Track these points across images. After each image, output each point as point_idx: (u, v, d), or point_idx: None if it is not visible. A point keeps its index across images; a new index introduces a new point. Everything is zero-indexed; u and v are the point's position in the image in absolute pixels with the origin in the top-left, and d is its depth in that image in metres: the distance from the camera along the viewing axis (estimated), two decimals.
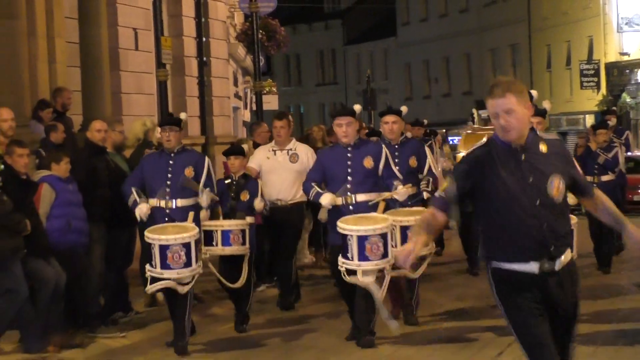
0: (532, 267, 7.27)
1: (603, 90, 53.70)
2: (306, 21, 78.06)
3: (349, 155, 12.89)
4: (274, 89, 29.98)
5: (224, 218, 14.31)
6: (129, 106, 22.73)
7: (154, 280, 12.82)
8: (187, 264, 12.58)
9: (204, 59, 27.27)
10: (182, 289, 12.84)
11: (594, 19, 56.83)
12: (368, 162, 12.87)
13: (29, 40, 19.79)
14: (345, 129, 12.82)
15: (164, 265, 12.51)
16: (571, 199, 12.74)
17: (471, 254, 19.88)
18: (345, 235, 12.31)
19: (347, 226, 12.38)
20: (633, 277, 17.76)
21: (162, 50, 23.38)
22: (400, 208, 13.77)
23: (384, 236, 12.33)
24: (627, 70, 52.85)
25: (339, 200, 12.85)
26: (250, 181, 14.67)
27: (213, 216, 14.61)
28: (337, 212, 12.89)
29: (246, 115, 31.09)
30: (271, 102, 29.00)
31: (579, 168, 9.31)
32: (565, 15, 59.70)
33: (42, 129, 16.80)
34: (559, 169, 7.55)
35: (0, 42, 18.55)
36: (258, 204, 14.39)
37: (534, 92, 13.20)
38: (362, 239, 12.16)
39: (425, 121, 25.07)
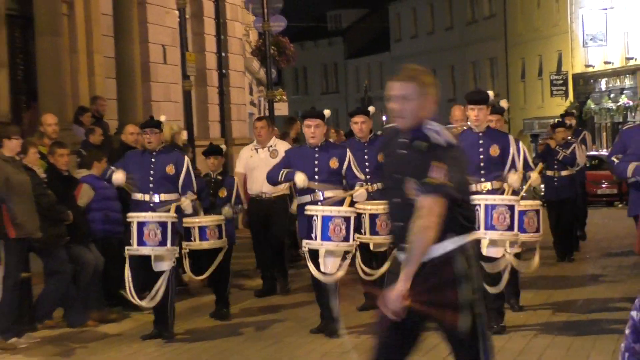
0: (400, 256, 6.66)
1: (571, 97, 53.69)
2: (312, 38, 77.93)
3: (316, 155, 12.29)
4: (284, 97, 29.76)
5: (205, 213, 13.77)
6: (158, 112, 22.59)
7: (132, 258, 12.32)
8: (163, 242, 12.06)
9: (223, 71, 27.19)
10: (158, 267, 12.26)
11: (562, 35, 56.77)
12: (334, 163, 12.30)
13: (71, 55, 19.79)
14: (313, 130, 12.24)
15: (141, 242, 12.03)
16: (534, 180, 12.55)
17: None
18: (310, 217, 11.77)
19: (313, 207, 11.91)
20: (591, 269, 17.10)
21: (187, 64, 23.30)
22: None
23: (347, 219, 11.75)
24: (592, 80, 52.86)
25: (307, 197, 12.29)
26: (227, 179, 14.33)
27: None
28: (304, 206, 12.24)
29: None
30: (281, 109, 28.82)
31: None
32: (537, 32, 59.64)
33: (83, 132, 16.79)
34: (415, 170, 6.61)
35: (45, 56, 18.39)
36: (227, 211, 13.82)
37: (504, 103, 13.57)
38: (326, 219, 11.62)
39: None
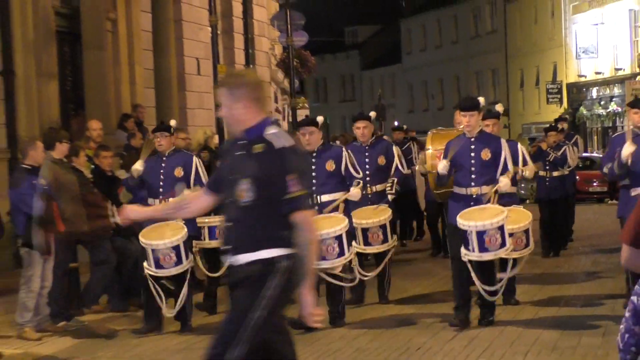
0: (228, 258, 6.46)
1: (565, 104, 53.54)
2: (331, 52, 77.72)
3: (313, 160, 11.58)
4: (306, 105, 29.77)
5: (214, 214, 12.64)
6: (193, 119, 22.70)
7: (152, 276, 11.69)
8: (178, 262, 11.51)
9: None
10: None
11: (557, 48, 56.56)
12: (330, 165, 11.71)
13: (114, 68, 19.81)
14: (308, 137, 11.69)
15: (158, 266, 11.50)
16: (529, 171, 12.72)
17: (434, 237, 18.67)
18: None
19: None
20: (581, 264, 16.67)
21: (219, 75, 23.31)
22: (365, 207, 12.88)
23: (338, 237, 11.28)
24: (584, 89, 52.69)
25: None
26: None
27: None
28: None
29: (284, 125, 31.01)
30: (303, 116, 28.77)
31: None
32: (535, 45, 59.41)
33: (125, 137, 16.83)
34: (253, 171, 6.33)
35: (91, 68, 18.50)
36: None
37: (499, 107, 13.12)
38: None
39: (405, 127, 24.41)
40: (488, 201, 11.63)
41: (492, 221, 10.65)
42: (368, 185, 13.10)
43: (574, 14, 54.81)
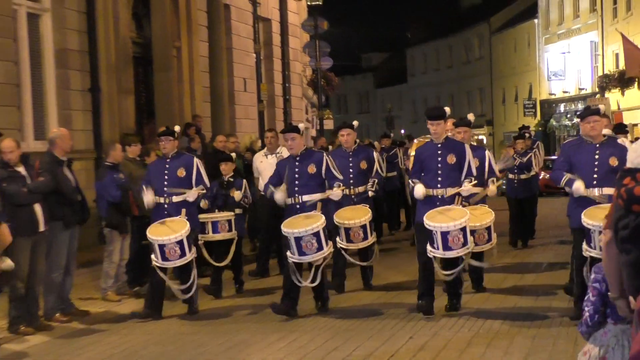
0: None
1: (538, 117, 53.24)
2: (351, 73, 77.55)
3: (297, 163, 10.78)
4: (330, 116, 29.67)
5: (219, 210, 12.47)
6: (240, 127, 22.70)
7: (160, 267, 10.82)
8: (182, 255, 10.65)
9: (287, 97, 27.17)
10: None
11: (532, 71, 56.32)
12: (311, 169, 10.70)
13: (178, 85, 19.86)
14: (290, 143, 10.83)
15: (164, 259, 10.65)
16: (490, 192, 11.39)
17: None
18: (285, 235, 10.42)
19: (286, 229, 10.42)
20: (543, 256, 15.41)
21: (261, 92, 23.40)
22: (348, 206, 12.07)
23: (316, 234, 10.26)
24: (554, 105, 52.36)
25: (289, 200, 10.70)
26: (237, 181, 12.79)
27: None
28: (288, 209, 10.85)
29: (313, 133, 30.85)
30: (328, 124, 28.67)
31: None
32: (514, 69, 59.24)
33: (187, 140, 16.86)
34: None
35: (160, 86, 18.60)
36: (237, 195, 12.45)
37: (470, 117, 12.27)
38: (297, 239, 10.29)
39: (392, 134, 23.98)
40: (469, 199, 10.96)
41: (455, 223, 9.90)
42: (351, 187, 12.29)
43: (546, 44, 54.61)
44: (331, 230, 11.22)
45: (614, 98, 43.41)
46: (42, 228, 10.16)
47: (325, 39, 26.08)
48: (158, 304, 10.94)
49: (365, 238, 11.93)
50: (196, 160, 11.44)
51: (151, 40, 18.80)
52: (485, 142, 56.05)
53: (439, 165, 10.25)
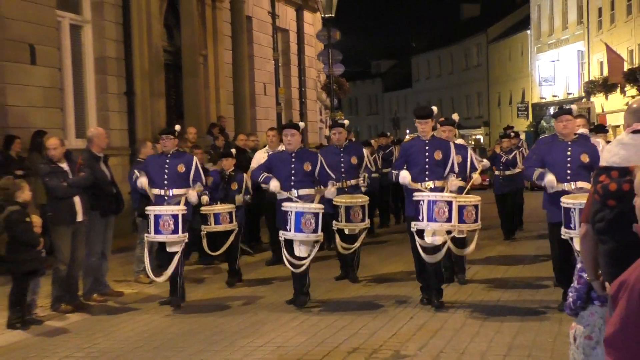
0: None
1: (530, 119, 53.13)
2: (361, 78, 77.48)
3: (292, 159, 10.18)
4: (342, 117, 29.76)
5: (221, 203, 12.01)
6: (260, 126, 22.71)
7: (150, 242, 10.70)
8: (175, 231, 10.08)
9: (303, 100, 27.21)
10: (171, 248, 10.39)
11: (525, 78, 56.21)
12: (307, 166, 10.16)
13: (205, 90, 19.95)
14: (289, 138, 10.26)
15: (157, 231, 10.12)
16: (476, 179, 11.02)
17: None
18: (286, 212, 9.88)
19: (288, 203, 9.92)
20: (527, 249, 14.76)
21: (279, 95, 23.48)
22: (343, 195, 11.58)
23: (316, 215, 9.77)
24: (544, 108, 52.02)
25: (285, 194, 10.12)
26: (238, 175, 12.33)
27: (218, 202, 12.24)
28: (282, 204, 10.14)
29: (326, 132, 30.92)
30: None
31: None
32: (509, 76, 59.14)
33: (212, 139, 16.93)
34: None
35: (188, 90, 18.63)
36: (238, 199, 11.99)
37: (455, 116, 11.74)
38: (298, 214, 9.73)
39: (389, 134, 23.62)
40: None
41: (443, 194, 9.53)
42: (343, 180, 11.82)
43: (537, 53, 54.42)
44: (326, 215, 10.52)
45: (599, 102, 43.27)
46: (80, 218, 10.20)
47: (338, 47, 26.01)
48: (176, 288, 10.47)
49: (363, 220, 11.48)
50: (195, 159, 11.06)
51: (181, 49, 18.85)
52: (482, 141, 56.31)
53: (427, 160, 9.87)
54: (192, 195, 10.63)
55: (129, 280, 12.14)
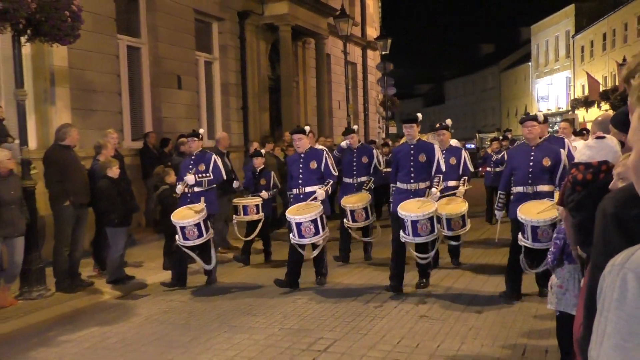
0: None
1: (547, 127, 52.46)
2: (407, 97, 76.38)
3: (301, 160, 8.74)
4: (394, 125, 29.57)
5: (252, 195, 10.56)
6: (336, 131, 22.69)
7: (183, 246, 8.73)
8: (200, 235, 8.60)
9: (366, 112, 27.10)
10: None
11: (527, 97, 55.11)
12: (313, 165, 8.66)
13: (297, 106, 20.06)
14: (297, 142, 8.73)
15: (185, 238, 8.57)
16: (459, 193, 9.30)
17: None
18: (289, 220, 8.50)
19: (289, 215, 8.45)
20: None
21: (349, 109, 23.40)
22: (351, 192, 10.28)
23: (314, 221, 8.29)
24: (572, 122, 51.40)
25: (295, 190, 8.80)
26: (265, 172, 10.69)
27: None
28: (294, 198, 8.82)
29: (383, 135, 30.81)
30: (392, 130, 28.44)
31: None
32: (515, 95, 58.01)
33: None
34: None
35: (286, 106, 18.63)
36: (264, 194, 10.37)
37: (449, 121, 10.39)
38: (298, 224, 8.28)
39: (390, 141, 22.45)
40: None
41: (424, 213, 7.84)
42: (354, 176, 10.32)
43: (536, 79, 53.51)
44: (329, 216, 8.98)
45: (581, 114, 42.65)
46: (236, 185, 10.43)
47: (391, 75, 25.85)
48: (183, 276, 9.00)
49: (367, 218, 9.98)
50: (214, 157, 9.29)
51: (280, 77, 19.01)
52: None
53: (412, 163, 8.32)
54: (189, 178, 9.00)
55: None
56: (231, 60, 16.99)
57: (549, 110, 50.53)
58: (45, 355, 6.10)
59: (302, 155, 8.80)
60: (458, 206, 9.13)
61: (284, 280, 8.64)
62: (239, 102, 17.31)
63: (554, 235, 5.08)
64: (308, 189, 8.65)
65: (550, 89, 50.82)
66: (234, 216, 10.35)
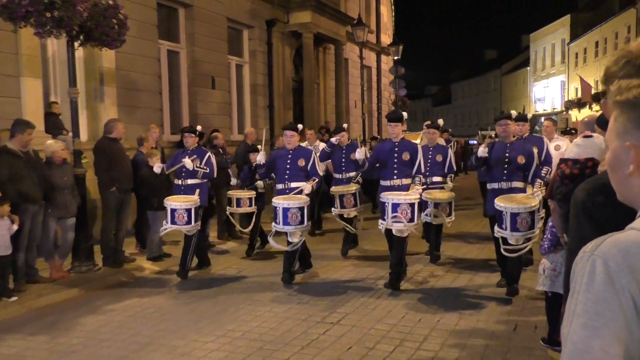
0: None
1: (528, 126, 51.68)
2: (417, 98, 76.13)
3: (289, 156, 7.83)
4: (405, 125, 29.49)
5: (247, 189, 9.38)
6: (353, 129, 22.63)
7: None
8: (188, 222, 7.67)
9: (379, 111, 26.94)
10: (188, 232, 7.86)
11: (526, 98, 54.46)
12: (301, 162, 7.78)
13: (317, 105, 19.99)
14: (289, 139, 7.81)
15: (173, 222, 7.68)
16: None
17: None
18: (275, 206, 7.46)
19: (276, 199, 7.51)
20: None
21: (364, 108, 23.32)
22: (341, 185, 9.27)
23: (301, 208, 7.34)
24: (537, 118, 50.00)
25: (280, 186, 7.92)
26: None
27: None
28: (279, 193, 7.82)
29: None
30: (403, 128, 28.49)
31: None
32: (515, 97, 57.27)
33: (321, 136, 16.89)
34: None
35: (307, 105, 18.54)
36: (260, 184, 9.24)
37: (440, 121, 9.82)
38: (285, 210, 7.32)
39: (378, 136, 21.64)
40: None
41: (406, 198, 7.03)
42: (343, 172, 9.36)
43: (534, 82, 52.71)
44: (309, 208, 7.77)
45: (574, 114, 41.97)
46: (233, 182, 9.77)
47: (402, 78, 25.70)
48: (184, 260, 8.06)
49: (355, 205, 9.01)
50: (209, 153, 8.42)
51: (303, 79, 18.98)
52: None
53: (395, 160, 7.62)
54: (187, 162, 8.11)
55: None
56: (259, 63, 16.97)
57: (544, 110, 49.99)
58: (93, 322, 6.21)
59: (291, 151, 7.93)
60: (446, 194, 8.50)
61: (295, 270, 7.93)
62: (265, 101, 17.28)
63: (549, 223, 5.03)
64: (293, 185, 7.80)
65: (547, 91, 50.25)
66: (228, 207, 9.36)
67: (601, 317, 1.01)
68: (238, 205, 9.23)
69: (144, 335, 5.71)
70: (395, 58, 25.00)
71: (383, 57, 27.45)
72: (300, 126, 8.48)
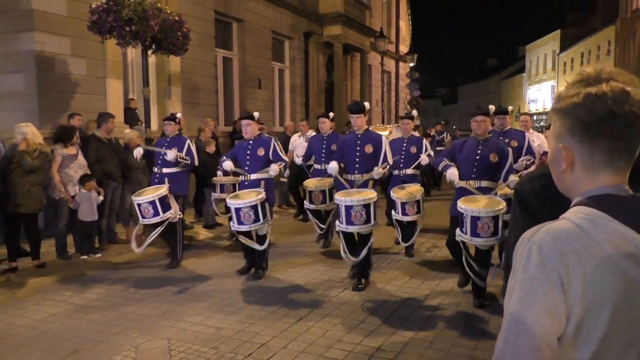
0: None
1: (509, 120, 50.59)
2: (429, 98, 75.07)
3: (249, 146, 6.19)
4: (418, 120, 29.10)
5: (233, 175, 7.33)
6: (374, 124, 22.52)
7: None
8: (155, 214, 6.11)
9: (397, 109, 26.66)
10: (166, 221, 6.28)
11: (522, 99, 53.19)
12: (260, 152, 6.12)
13: (345, 102, 19.72)
14: (245, 128, 6.16)
15: (142, 217, 6.11)
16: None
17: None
18: (229, 207, 5.87)
19: (229, 201, 5.82)
20: None
21: (383, 106, 23.08)
22: (316, 178, 7.44)
23: (254, 207, 5.71)
24: (532, 117, 49.57)
25: (240, 177, 6.30)
26: None
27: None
28: (240, 184, 6.35)
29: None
30: (417, 122, 28.13)
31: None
32: (512, 98, 55.95)
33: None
34: None
35: (337, 103, 18.45)
36: (274, 169, 6.18)
37: (415, 113, 8.35)
38: (237, 210, 5.70)
39: (443, 122, 20.05)
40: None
41: (360, 199, 5.34)
42: (323, 163, 7.63)
43: (529, 86, 51.35)
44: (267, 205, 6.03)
45: None
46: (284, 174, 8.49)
47: (416, 81, 25.35)
48: (175, 253, 6.79)
49: (325, 202, 6.92)
50: (188, 141, 6.94)
51: (333, 81, 18.84)
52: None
53: (357, 154, 6.04)
54: (170, 154, 6.66)
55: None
56: (298, 68, 16.87)
57: (537, 110, 48.86)
58: (157, 275, 6.37)
59: (250, 142, 6.30)
60: (414, 192, 6.59)
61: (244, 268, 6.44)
62: (302, 100, 17.20)
63: None
64: (253, 177, 6.21)
65: (539, 94, 49.07)
66: (212, 193, 7.87)
67: (534, 294, 1.02)
68: (222, 191, 7.57)
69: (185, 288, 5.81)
70: (411, 65, 24.66)
71: (401, 64, 27.04)
72: (256, 114, 6.37)
